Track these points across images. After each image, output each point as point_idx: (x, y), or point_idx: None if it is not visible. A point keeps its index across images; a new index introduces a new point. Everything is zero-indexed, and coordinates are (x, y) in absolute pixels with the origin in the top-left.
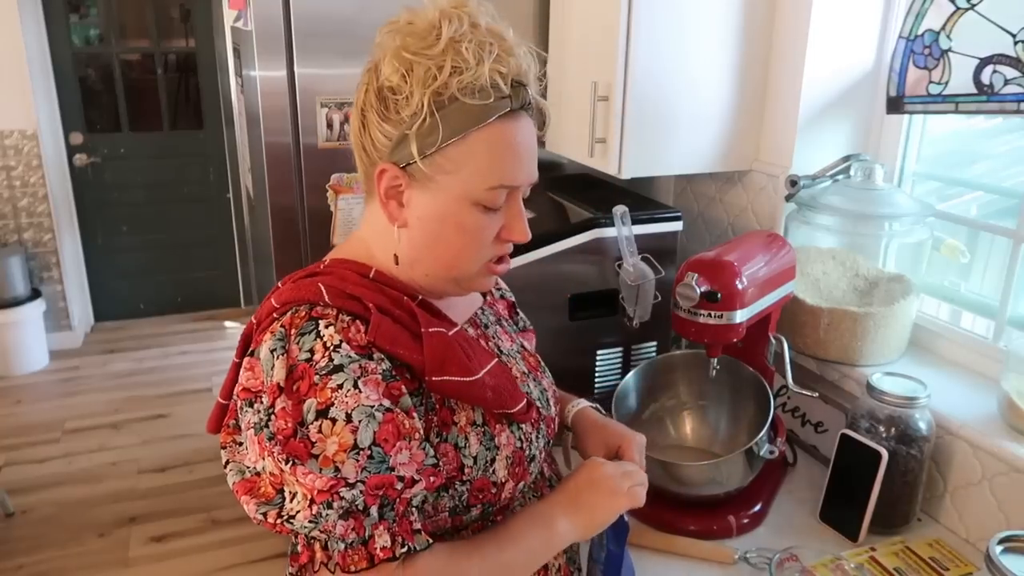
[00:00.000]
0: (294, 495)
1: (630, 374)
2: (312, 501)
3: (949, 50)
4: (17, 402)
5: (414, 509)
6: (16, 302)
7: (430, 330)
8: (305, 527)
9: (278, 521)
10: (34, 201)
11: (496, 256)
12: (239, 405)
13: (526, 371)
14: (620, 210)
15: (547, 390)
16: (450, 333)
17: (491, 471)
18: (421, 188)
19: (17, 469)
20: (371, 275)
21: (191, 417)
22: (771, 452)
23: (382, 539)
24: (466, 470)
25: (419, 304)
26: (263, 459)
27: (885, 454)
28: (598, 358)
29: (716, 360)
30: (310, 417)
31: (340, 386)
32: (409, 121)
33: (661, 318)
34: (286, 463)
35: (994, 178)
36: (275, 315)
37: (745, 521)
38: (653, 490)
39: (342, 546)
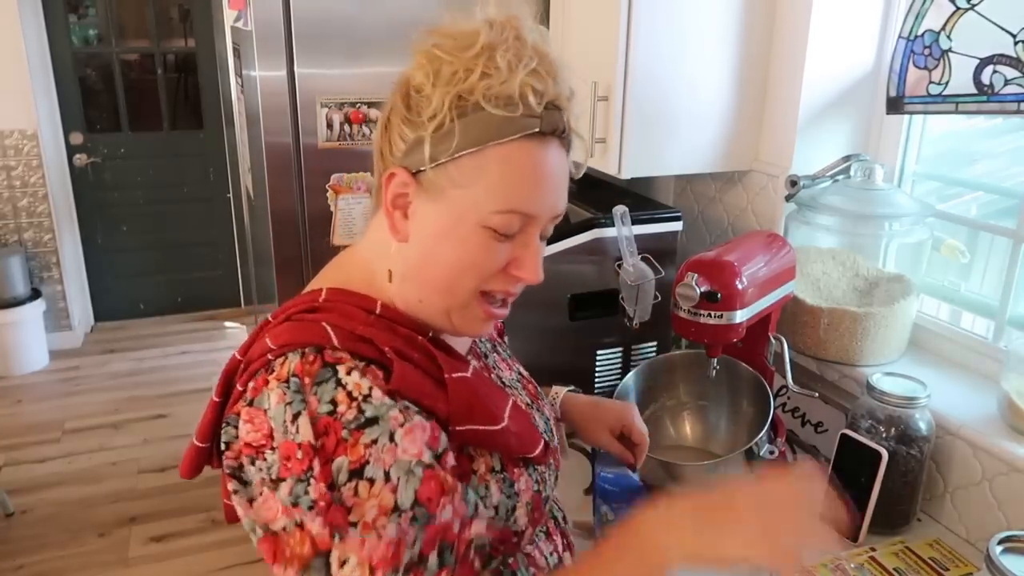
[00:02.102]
0: (344, 561)
1: (630, 374)
2: (373, 569)
3: (949, 50)
4: (17, 402)
5: (473, 552)
6: (16, 302)
7: (454, 376)
8: None
9: None
10: (34, 201)
11: (500, 294)
12: (243, 463)
13: (529, 402)
14: (620, 210)
15: (550, 419)
16: (469, 375)
17: (512, 520)
18: (429, 199)
19: (17, 469)
20: (377, 310)
21: (191, 417)
22: (771, 452)
23: None
24: (488, 522)
25: (431, 342)
26: (284, 517)
27: (885, 454)
28: (598, 358)
29: (716, 360)
30: (342, 478)
31: (375, 441)
32: (427, 124)
33: (661, 318)
34: (332, 536)
35: (994, 178)
36: (270, 356)
37: None
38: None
39: None
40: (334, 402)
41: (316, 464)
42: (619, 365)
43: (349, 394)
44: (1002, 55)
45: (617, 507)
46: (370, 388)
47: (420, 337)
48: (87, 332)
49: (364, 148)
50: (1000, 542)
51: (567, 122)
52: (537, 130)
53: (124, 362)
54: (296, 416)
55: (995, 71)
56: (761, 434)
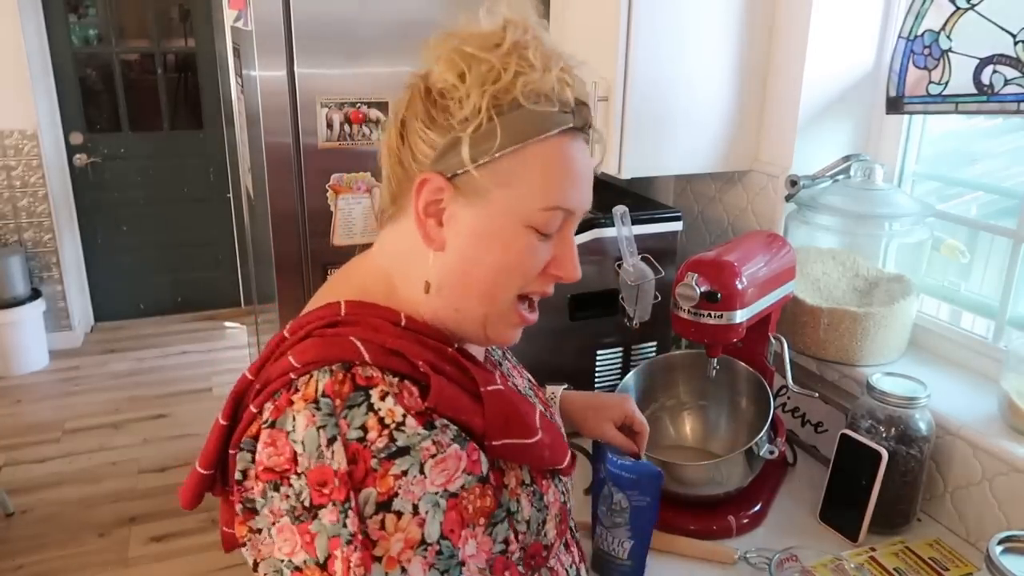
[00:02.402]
0: None
1: (630, 374)
2: None
3: (949, 50)
4: (17, 402)
5: None
6: (16, 302)
7: (489, 389)
8: None
9: None
10: (34, 201)
11: (536, 295)
12: (261, 488)
13: (543, 409)
14: (620, 210)
15: (562, 427)
16: (503, 387)
17: (543, 534)
18: (467, 203)
19: (17, 469)
20: (402, 322)
21: (191, 417)
22: (771, 452)
23: None
24: (520, 537)
25: (460, 353)
26: (307, 554)
27: (885, 454)
28: (598, 358)
29: (716, 360)
30: (369, 510)
31: (405, 472)
32: (462, 125)
33: (661, 318)
34: (349, 572)
35: (994, 178)
36: (293, 375)
37: (745, 521)
38: None
39: None
40: (364, 428)
41: (352, 495)
42: (619, 365)
43: (381, 420)
44: (1002, 55)
45: (632, 494)
46: (404, 416)
47: (449, 349)
48: (87, 332)
49: (364, 148)
50: (1000, 542)
51: (592, 119)
52: (571, 125)
53: (124, 362)
54: (332, 441)
55: (995, 71)
56: (761, 434)
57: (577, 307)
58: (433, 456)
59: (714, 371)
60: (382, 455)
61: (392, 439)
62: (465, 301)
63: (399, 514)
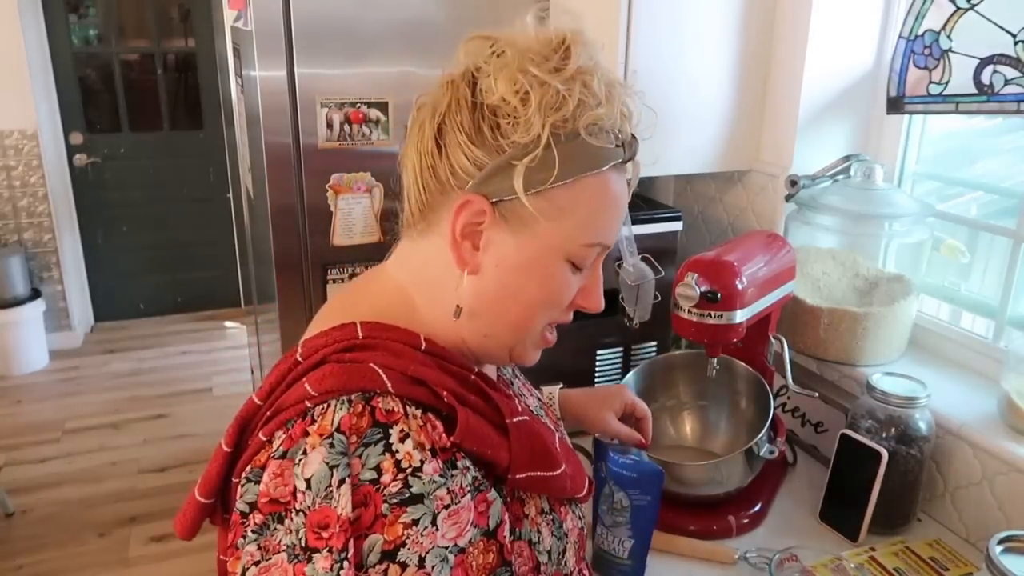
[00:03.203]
0: None
1: (630, 374)
2: None
3: (949, 50)
4: (17, 402)
5: None
6: (16, 302)
7: (515, 420)
8: None
9: None
10: (34, 201)
11: (560, 323)
12: (261, 520)
13: (553, 428)
14: None
15: (570, 446)
16: (528, 418)
17: (563, 563)
18: (509, 231)
19: (17, 469)
20: (423, 347)
21: (191, 417)
22: (771, 452)
23: None
24: (542, 567)
25: (480, 378)
26: None
27: (885, 454)
28: (598, 358)
29: (716, 360)
30: (373, 559)
31: (416, 522)
32: (516, 150)
33: (661, 318)
34: None
35: (994, 178)
36: (309, 404)
37: (745, 521)
38: None
39: None
40: (379, 470)
41: (351, 544)
42: (619, 365)
43: (397, 463)
44: (1002, 55)
45: (632, 493)
46: (421, 462)
47: (471, 376)
48: (87, 332)
49: (364, 148)
50: (1000, 542)
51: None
52: (622, 159)
53: (124, 362)
54: (341, 482)
55: (995, 71)
56: (761, 434)
57: None
58: (447, 507)
59: (714, 371)
60: (394, 501)
61: (407, 484)
62: (497, 328)
63: (403, 566)
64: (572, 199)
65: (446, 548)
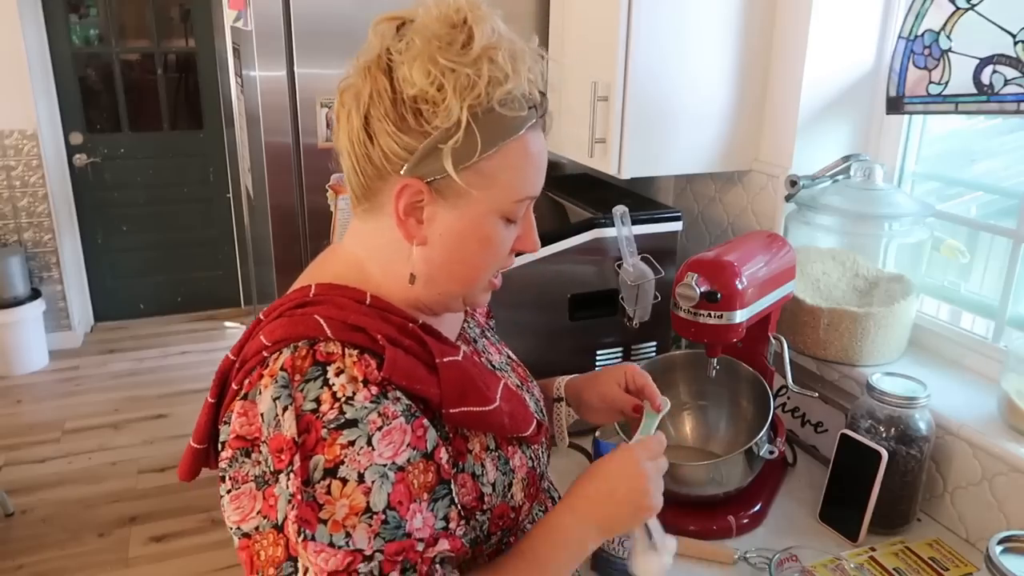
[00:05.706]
0: (307, 569)
1: None
2: None
3: (949, 50)
4: (17, 402)
5: (437, 567)
6: (16, 302)
7: (445, 360)
8: None
9: None
10: (34, 201)
11: (503, 269)
12: (230, 455)
13: (519, 383)
14: (620, 210)
15: (539, 400)
16: (460, 358)
17: (509, 496)
18: (447, 204)
19: (17, 469)
20: (367, 301)
21: (191, 417)
22: (771, 452)
23: None
24: (486, 498)
25: (422, 329)
26: (265, 517)
27: (885, 454)
28: (598, 358)
29: (716, 360)
30: (317, 476)
31: (352, 443)
32: (439, 134)
33: (661, 318)
34: (298, 533)
35: (994, 178)
36: (265, 353)
37: (745, 521)
38: None
39: None
40: (318, 401)
41: (296, 459)
42: None
43: (334, 395)
44: (1002, 55)
45: None
46: (354, 392)
47: (411, 324)
48: (87, 332)
49: None
50: (1000, 542)
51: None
52: (535, 119)
53: (124, 362)
54: (285, 410)
55: (995, 71)
56: (761, 434)
57: (577, 307)
58: (380, 428)
59: (714, 371)
60: (331, 425)
61: (342, 411)
62: (449, 287)
63: (344, 480)
64: (498, 166)
65: (384, 466)
